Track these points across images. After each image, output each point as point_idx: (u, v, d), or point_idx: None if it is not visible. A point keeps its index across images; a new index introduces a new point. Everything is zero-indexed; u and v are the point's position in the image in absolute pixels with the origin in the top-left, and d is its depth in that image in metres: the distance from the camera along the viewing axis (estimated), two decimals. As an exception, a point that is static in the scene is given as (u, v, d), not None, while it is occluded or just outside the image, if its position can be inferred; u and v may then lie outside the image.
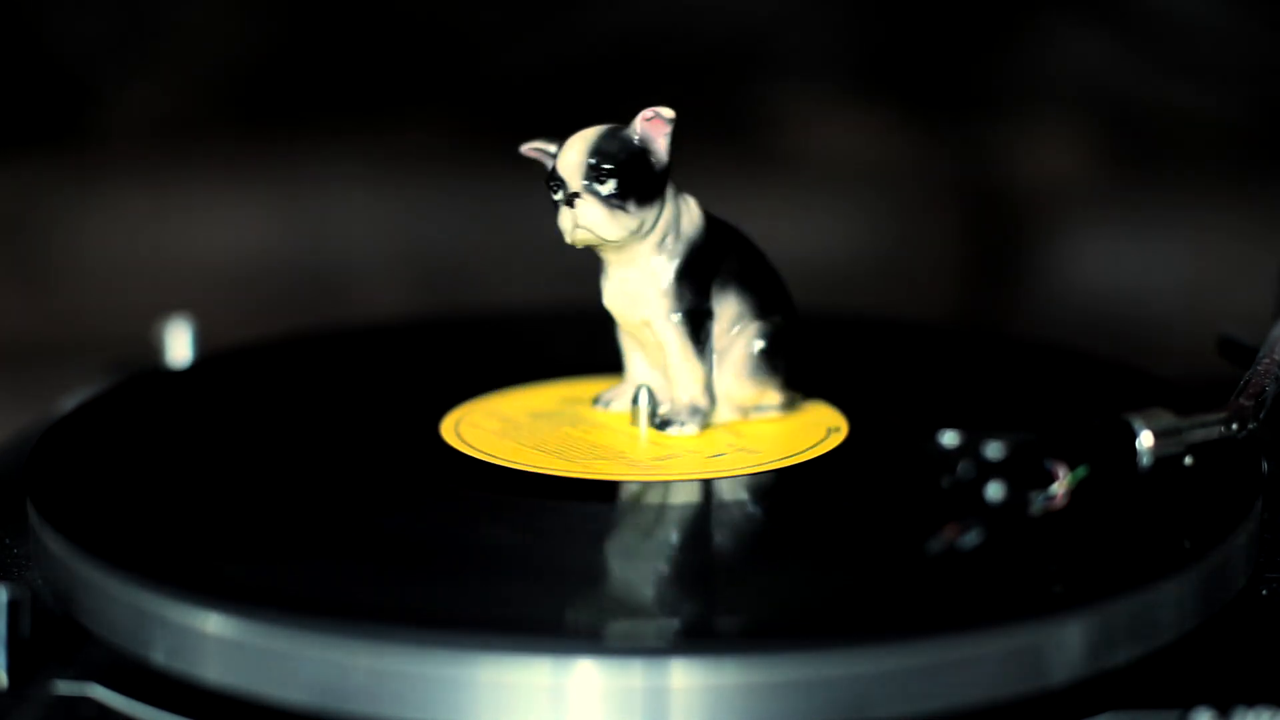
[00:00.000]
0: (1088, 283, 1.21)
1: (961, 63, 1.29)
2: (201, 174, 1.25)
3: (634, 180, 0.55)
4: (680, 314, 0.57)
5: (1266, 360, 0.56)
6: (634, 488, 0.54)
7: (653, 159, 0.56)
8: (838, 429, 0.58)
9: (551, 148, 0.57)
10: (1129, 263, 1.21)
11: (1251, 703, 0.46)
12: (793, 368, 0.59)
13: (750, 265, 0.58)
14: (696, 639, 0.45)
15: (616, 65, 1.27)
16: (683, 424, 0.58)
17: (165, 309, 0.74)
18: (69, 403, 0.66)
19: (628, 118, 0.56)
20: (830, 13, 1.29)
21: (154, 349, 0.71)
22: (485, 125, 1.26)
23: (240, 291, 1.21)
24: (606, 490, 0.54)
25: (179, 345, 0.70)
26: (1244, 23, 1.26)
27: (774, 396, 0.59)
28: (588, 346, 0.64)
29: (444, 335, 0.74)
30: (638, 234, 0.56)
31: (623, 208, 0.55)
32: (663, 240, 0.57)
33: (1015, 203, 1.24)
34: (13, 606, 0.47)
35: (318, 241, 1.23)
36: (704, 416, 0.58)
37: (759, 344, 0.58)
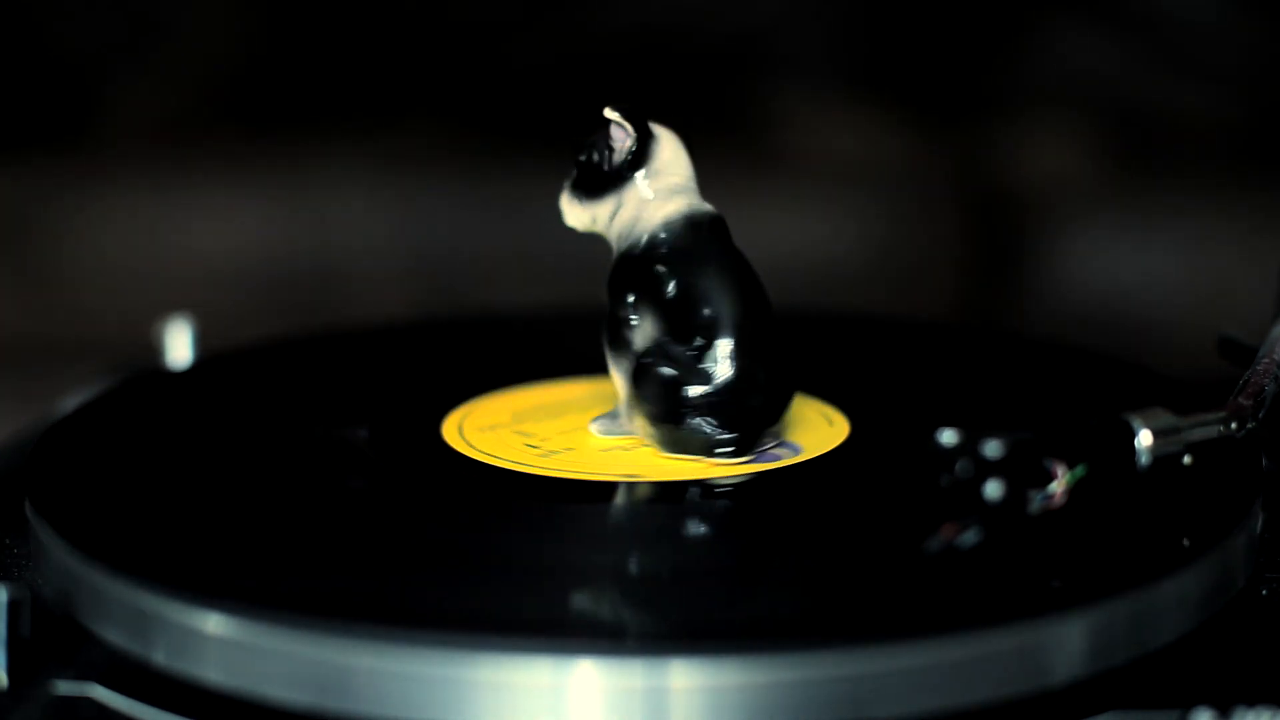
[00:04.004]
0: (1087, 282, 1.21)
1: (962, 63, 1.29)
2: (201, 174, 1.25)
3: (583, 175, 0.57)
4: (608, 314, 0.56)
5: (1266, 360, 0.56)
6: (634, 488, 0.54)
7: (609, 158, 0.56)
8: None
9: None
10: (1129, 262, 1.21)
11: (1251, 703, 0.46)
12: (672, 408, 0.54)
13: (691, 287, 0.54)
14: (696, 639, 0.45)
15: (617, 65, 1.27)
16: (594, 420, 0.58)
17: (165, 309, 0.74)
18: (69, 403, 0.66)
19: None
20: (831, 13, 1.29)
21: (154, 349, 0.71)
22: (486, 125, 1.26)
23: (240, 291, 1.21)
24: (607, 491, 0.54)
25: (179, 346, 0.70)
26: (1244, 23, 1.26)
27: (638, 427, 0.56)
28: (588, 346, 0.64)
29: (445, 336, 0.74)
30: (592, 226, 0.57)
31: (576, 198, 0.57)
32: (617, 239, 0.56)
33: (1015, 202, 1.24)
34: (13, 606, 0.47)
35: (318, 241, 1.23)
36: (613, 423, 0.57)
37: (639, 368, 0.55)
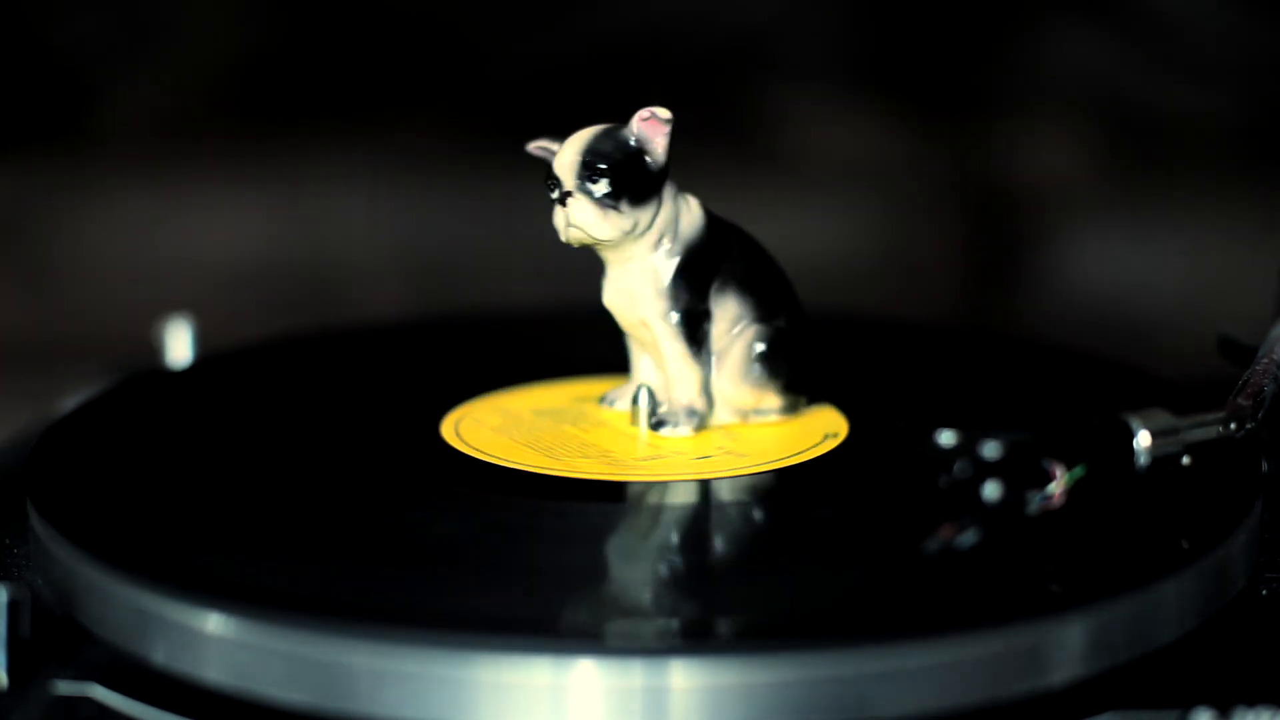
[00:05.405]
0: (1087, 283, 1.21)
1: (961, 62, 1.29)
2: (201, 174, 1.25)
3: (627, 180, 0.55)
4: (677, 314, 0.57)
5: (1265, 360, 0.56)
6: (635, 488, 0.54)
7: (648, 159, 0.56)
8: (835, 434, 0.58)
9: (555, 146, 0.56)
10: (1129, 263, 1.21)
11: (1251, 703, 0.46)
12: (795, 372, 0.59)
13: (752, 267, 0.58)
14: (696, 639, 0.45)
15: (617, 65, 1.27)
16: (676, 425, 0.58)
17: (165, 309, 0.74)
18: (69, 403, 0.66)
19: (628, 118, 0.56)
20: (830, 13, 1.29)
21: (154, 349, 0.71)
22: (485, 125, 1.26)
23: (240, 291, 1.21)
24: (607, 490, 0.54)
25: (179, 345, 0.70)
26: (1243, 22, 1.26)
27: (773, 400, 0.58)
28: (588, 346, 0.64)
29: (444, 335, 0.74)
30: (632, 234, 0.56)
31: (615, 207, 0.55)
32: (660, 240, 0.56)
33: (1015, 203, 1.24)
34: (13, 606, 0.47)
35: (318, 241, 1.23)
36: (700, 418, 0.58)
37: (758, 346, 0.58)
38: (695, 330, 0.57)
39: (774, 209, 1.18)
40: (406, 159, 1.25)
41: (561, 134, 0.56)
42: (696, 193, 0.58)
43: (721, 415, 0.58)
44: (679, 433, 0.58)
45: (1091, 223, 1.23)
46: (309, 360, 0.69)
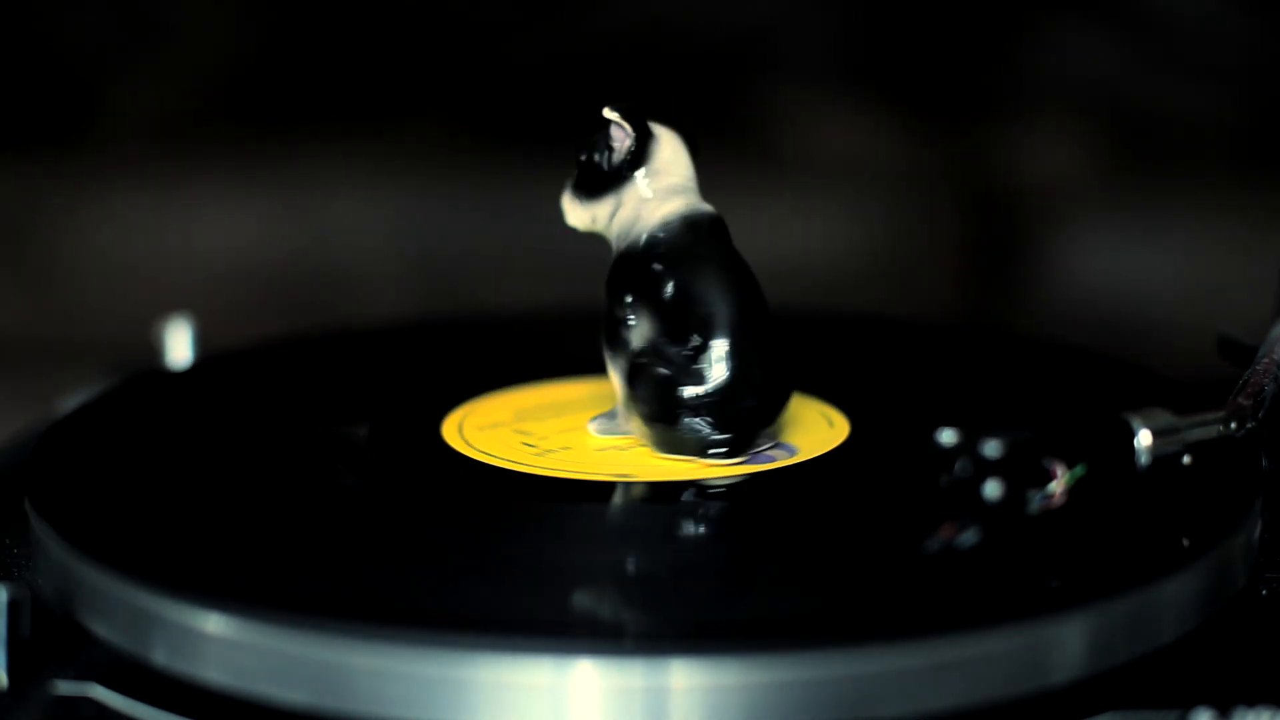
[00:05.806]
0: (1088, 282, 1.21)
1: (961, 63, 1.29)
2: (201, 174, 1.25)
3: (583, 175, 0.57)
4: (606, 314, 0.56)
5: (1265, 360, 0.56)
6: (635, 488, 0.54)
7: (609, 157, 0.56)
8: (629, 476, 0.55)
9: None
10: (1129, 262, 1.21)
11: (1251, 703, 0.46)
12: (678, 411, 0.54)
13: (687, 287, 0.54)
14: (696, 639, 0.45)
15: (617, 65, 1.27)
16: (592, 422, 0.58)
17: (165, 309, 0.74)
18: (69, 403, 0.66)
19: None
20: (831, 13, 1.29)
21: (154, 349, 0.71)
22: (485, 125, 1.26)
23: (240, 291, 1.21)
24: (607, 491, 0.54)
25: (179, 345, 0.70)
26: (1243, 22, 1.26)
27: (634, 427, 0.56)
28: (589, 346, 0.64)
29: (445, 336, 0.74)
30: (593, 226, 0.57)
31: (576, 198, 0.57)
32: (616, 239, 0.56)
33: (1015, 202, 1.24)
34: (13, 606, 0.47)
35: (318, 241, 1.23)
36: (613, 424, 0.57)
37: (633, 367, 0.55)
38: (611, 333, 0.56)
39: (773, 208, 1.18)
40: (407, 159, 1.25)
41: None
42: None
43: (629, 429, 0.56)
44: (590, 429, 0.58)
45: (1091, 223, 1.23)
46: (310, 360, 0.69)
